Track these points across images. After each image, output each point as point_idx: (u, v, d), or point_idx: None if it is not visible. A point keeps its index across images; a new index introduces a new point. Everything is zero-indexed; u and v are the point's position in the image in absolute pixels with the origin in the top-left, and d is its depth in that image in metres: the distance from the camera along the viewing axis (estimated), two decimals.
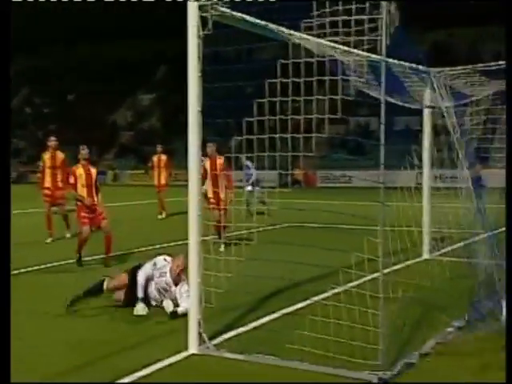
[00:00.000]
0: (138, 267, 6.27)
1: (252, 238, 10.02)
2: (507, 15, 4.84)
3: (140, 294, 6.07)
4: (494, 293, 5.43)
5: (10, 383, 3.39)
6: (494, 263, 5.59)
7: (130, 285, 6.15)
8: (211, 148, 10.11)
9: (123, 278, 6.19)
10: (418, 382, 4.25)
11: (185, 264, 5.50)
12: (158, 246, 10.42)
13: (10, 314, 3.72)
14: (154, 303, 6.18)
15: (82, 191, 8.92)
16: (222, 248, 10.05)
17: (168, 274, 6.17)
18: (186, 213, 5.05)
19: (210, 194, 9.98)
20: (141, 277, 6.15)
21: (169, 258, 6.30)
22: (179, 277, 6.07)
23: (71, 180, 8.99)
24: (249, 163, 13.01)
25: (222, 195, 10.11)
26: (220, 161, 10.13)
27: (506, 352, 3.60)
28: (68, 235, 11.91)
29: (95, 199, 8.99)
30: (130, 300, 6.09)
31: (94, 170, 9.16)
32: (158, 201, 16.43)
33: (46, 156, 11.80)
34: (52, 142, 11.89)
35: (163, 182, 16.42)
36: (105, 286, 6.11)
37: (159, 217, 15.98)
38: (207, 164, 10.09)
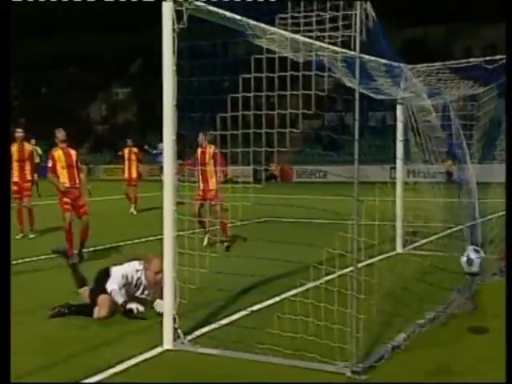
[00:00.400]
0: (105, 281, 5.90)
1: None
2: (507, 15, 4.93)
3: (120, 300, 5.78)
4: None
5: (9, 383, 3.36)
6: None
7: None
8: (201, 137, 9.84)
9: (108, 299, 5.83)
10: (392, 381, 4.30)
11: (160, 268, 5.33)
12: (130, 242, 10.35)
13: (9, 314, 3.66)
14: (135, 311, 5.79)
15: (63, 173, 8.72)
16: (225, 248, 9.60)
17: (145, 282, 5.94)
18: (160, 208, 5.02)
19: (201, 187, 9.71)
20: (111, 285, 5.82)
21: (140, 266, 5.97)
22: (160, 282, 5.53)
23: (49, 164, 8.76)
24: None
25: (211, 186, 9.76)
26: (210, 150, 9.78)
27: (506, 352, 3.68)
28: (31, 236, 11.42)
29: (77, 180, 8.83)
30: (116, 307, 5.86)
31: (73, 152, 9.02)
32: (126, 195, 16.21)
33: (14, 148, 11.39)
34: (19, 133, 11.50)
35: (134, 175, 16.29)
36: (95, 315, 5.74)
37: (134, 212, 15.84)
38: (198, 154, 9.89)
